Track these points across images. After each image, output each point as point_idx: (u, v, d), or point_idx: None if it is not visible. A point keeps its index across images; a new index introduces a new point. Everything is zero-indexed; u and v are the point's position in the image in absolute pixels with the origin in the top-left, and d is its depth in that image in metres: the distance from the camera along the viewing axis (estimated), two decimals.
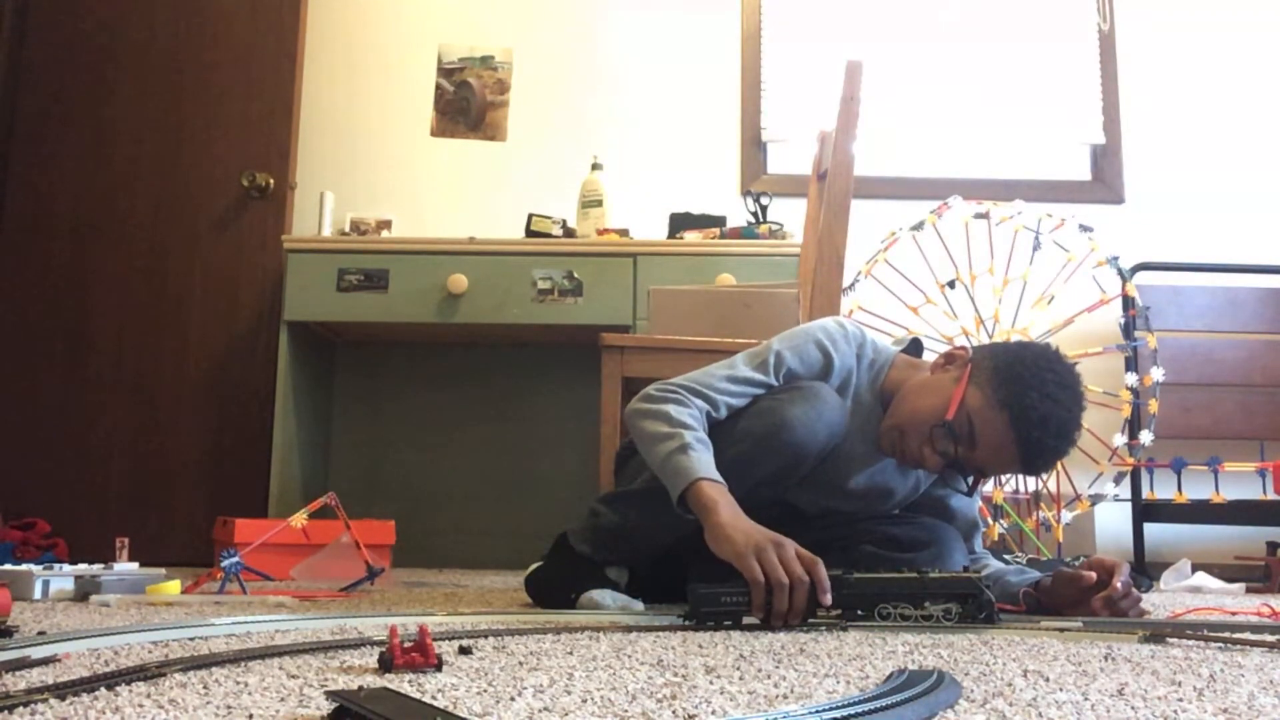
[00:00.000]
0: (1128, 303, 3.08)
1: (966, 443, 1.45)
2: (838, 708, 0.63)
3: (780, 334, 1.62)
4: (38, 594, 1.66)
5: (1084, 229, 3.02)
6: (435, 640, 0.88)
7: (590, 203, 3.11)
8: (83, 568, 1.74)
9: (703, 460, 1.38)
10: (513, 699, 0.72)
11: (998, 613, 1.28)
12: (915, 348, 1.70)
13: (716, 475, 1.37)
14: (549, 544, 1.68)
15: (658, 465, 1.41)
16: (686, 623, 1.26)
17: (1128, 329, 3.07)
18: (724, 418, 1.51)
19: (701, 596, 1.25)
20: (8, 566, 1.76)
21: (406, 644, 0.86)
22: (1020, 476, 2.87)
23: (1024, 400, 1.41)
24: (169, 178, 3.29)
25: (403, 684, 0.78)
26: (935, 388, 1.51)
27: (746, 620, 1.26)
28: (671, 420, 1.43)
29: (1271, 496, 2.81)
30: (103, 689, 0.72)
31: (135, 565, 1.87)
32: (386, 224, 3.24)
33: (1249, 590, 2.46)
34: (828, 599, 1.23)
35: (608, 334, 2.07)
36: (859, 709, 0.63)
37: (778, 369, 1.54)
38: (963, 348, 1.55)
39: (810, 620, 1.27)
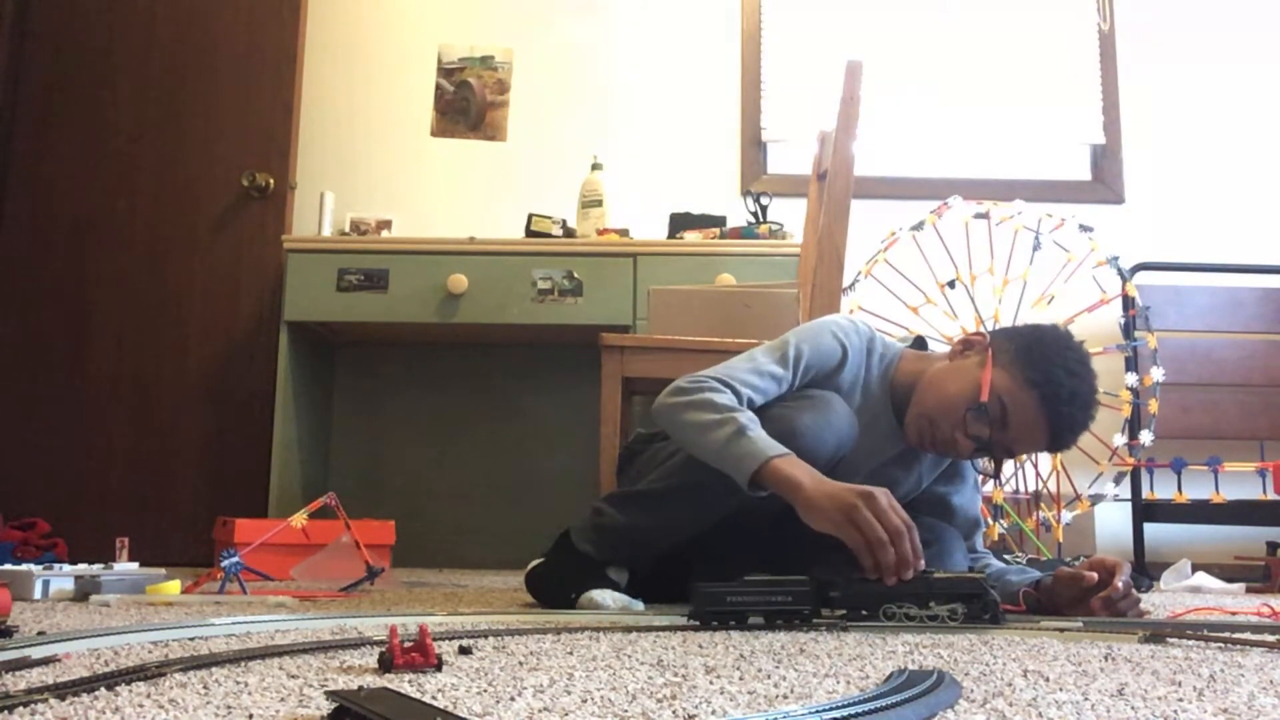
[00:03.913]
0: (1128, 303, 3.08)
1: (999, 424, 1.47)
2: (838, 708, 0.63)
3: (795, 329, 1.63)
4: (38, 594, 1.66)
5: (1084, 229, 3.02)
6: (435, 640, 0.88)
7: (590, 203, 3.11)
8: (83, 568, 1.74)
9: (764, 439, 1.38)
10: (513, 699, 0.72)
11: (1003, 613, 1.28)
12: (920, 345, 1.72)
13: (783, 448, 1.37)
14: (549, 544, 1.68)
15: (715, 453, 1.41)
16: (690, 622, 1.26)
17: (1128, 329, 3.07)
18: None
19: (706, 596, 1.25)
20: (8, 566, 1.76)
21: (406, 644, 0.86)
22: (1021, 476, 2.87)
23: (1052, 378, 1.45)
24: (169, 178, 3.28)
25: (403, 684, 0.78)
26: (960, 373, 1.53)
27: (750, 620, 1.25)
28: (718, 406, 1.43)
29: (1271, 496, 2.81)
30: (103, 689, 0.72)
31: (135, 565, 1.87)
32: (386, 224, 3.24)
33: (1249, 590, 2.46)
34: (920, 563, 1.25)
35: (608, 334, 2.07)
36: (859, 709, 0.63)
37: (796, 363, 1.55)
38: (979, 333, 1.58)
39: (815, 620, 1.27)
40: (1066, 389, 1.44)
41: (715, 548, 1.62)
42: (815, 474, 1.35)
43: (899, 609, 1.27)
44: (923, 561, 1.28)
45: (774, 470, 1.34)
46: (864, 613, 1.27)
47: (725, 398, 1.46)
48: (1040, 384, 1.45)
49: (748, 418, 1.42)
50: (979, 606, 1.27)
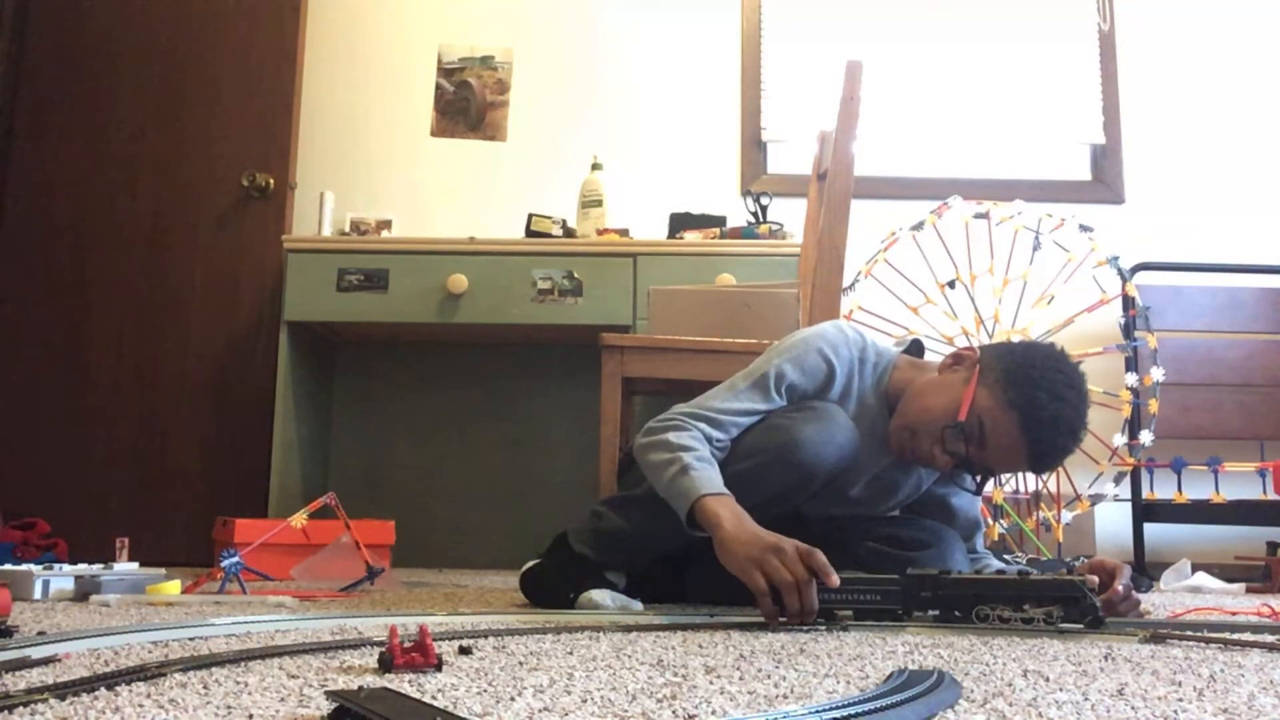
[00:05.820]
0: (1128, 303, 3.08)
1: (977, 443, 1.46)
2: (838, 708, 0.63)
3: (779, 344, 1.61)
4: (38, 594, 1.65)
5: (1084, 229, 3.02)
6: (435, 640, 0.88)
7: (590, 203, 3.11)
8: (83, 568, 1.74)
9: (702, 477, 1.38)
10: (513, 699, 0.72)
11: (1104, 616, 1.24)
12: (916, 348, 1.70)
13: (718, 488, 1.37)
14: (549, 544, 1.68)
15: (664, 492, 1.42)
16: (781, 619, 1.25)
17: (1128, 329, 3.07)
18: (731, 439, 1.51)
19: None
20: (8, 566, 1.76)
21: (406, 644, 0.86)
22: (1021, 476, 2.87)
23: (1034, 401, 1.42)
24: (169, 178, 3.28)
25: (403, 684, 0.78)
26: (945, 388, 1.51)
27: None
28: (670, 445, 1.44)
29: (1271, 496, 2.81)
30: (103, 689, 0.72)
31: (135, 565, 1.87)
32: (386, 224, 3.23)
33: (1249, 590, 2.46)
34: (834, 580, 1.24)
35: (608, 334, 2.08)
36: (859, 709, 0.63)
37: (779, 386, 1.54)
38: (970, 348, 1.56)
39: (906, 621, 1.26)
40: (1048, 412, 1.41)
41: (711, 550, 1.62)
42: (741, 516, 1.34)
43: (992, 610, 1.24)
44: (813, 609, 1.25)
45: (701, 508, 1.35)
46: (956, 614, 1.26)
47: (683, 436, 1.45)
48: (1021, 406, 1.42)
49: (695, 456, 1.41)
50: (1078, 610, 1.22)
